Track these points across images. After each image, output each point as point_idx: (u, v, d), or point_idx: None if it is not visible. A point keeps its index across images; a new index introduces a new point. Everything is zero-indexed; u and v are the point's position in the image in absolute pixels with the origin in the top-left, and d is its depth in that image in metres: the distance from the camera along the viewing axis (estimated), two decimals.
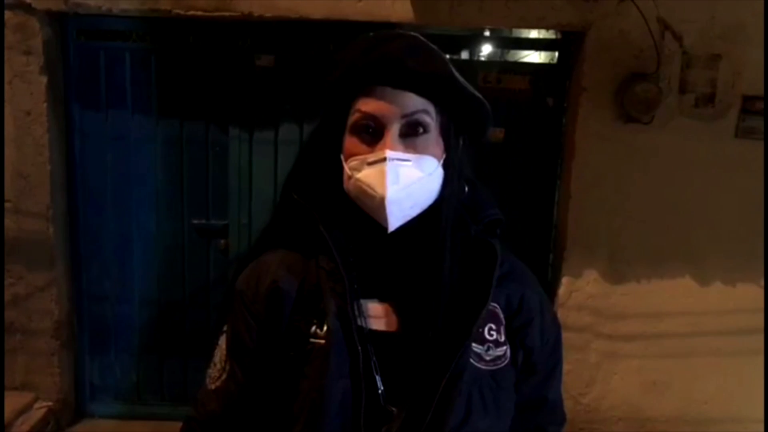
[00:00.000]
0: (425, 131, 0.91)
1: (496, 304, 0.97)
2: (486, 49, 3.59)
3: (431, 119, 0.92)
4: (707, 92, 2.75)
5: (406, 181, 0.88)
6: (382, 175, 0.87)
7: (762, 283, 2.85)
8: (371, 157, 0.89)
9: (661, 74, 2.69)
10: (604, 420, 2.98)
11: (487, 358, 0.94)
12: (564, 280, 2.88)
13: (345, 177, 0.93)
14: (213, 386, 0.99)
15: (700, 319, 2.87)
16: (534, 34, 3.52)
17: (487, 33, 3.45)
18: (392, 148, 0.88)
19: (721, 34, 2.70)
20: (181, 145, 2.99)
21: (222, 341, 1.00)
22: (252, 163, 2.95)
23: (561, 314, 2.86)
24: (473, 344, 0.92)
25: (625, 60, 2.71)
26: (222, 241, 3.03)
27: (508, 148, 2.92)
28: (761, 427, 2.62)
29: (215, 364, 1.00)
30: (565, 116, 2.95)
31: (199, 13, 2.69)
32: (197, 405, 1.01)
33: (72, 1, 2.68)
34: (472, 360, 0.92)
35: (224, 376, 0.97)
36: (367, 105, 0.90)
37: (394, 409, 0.88)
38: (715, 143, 2.77)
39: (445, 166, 0.94)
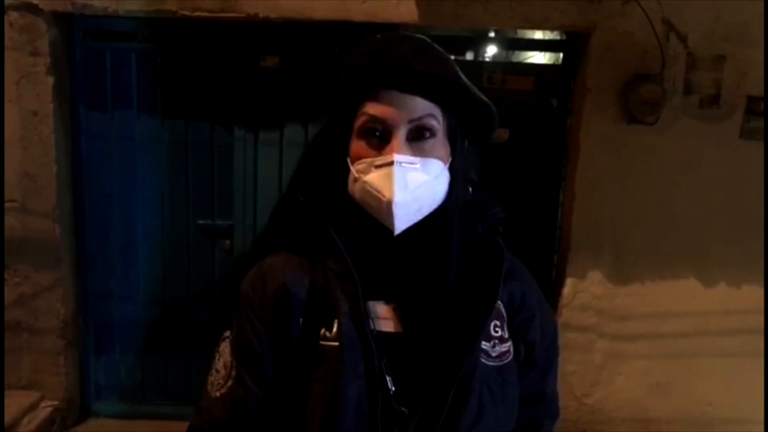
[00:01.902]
0: (432, 135, 0.91)
1: (499, 301, 0.98)
2: (490, 50, 3.60)
3: (438, 123, 0.92)
4: (712, 93, 2.74)
5: (414, 185, 0.88)
6: (390, 178, 0.87)
7: None
8: (379, 161, 0.89)
9: (665, 75, 2.69)
10: (609, 420, 2.98)
11: (494, 354, 0.95)
12: (568, 281, 2.88)
13: (351, 179, 0.93)
14: (218, 393, 0.96)
15: (705, 319, 2.86)
16: (538, 35, 3.52)
17: (491, 34, 3.46)
18: (400, 152, 0.88)
19: (726, 35, 2.70)
20: (187, 145, 3.00)
21: (224, 347, 0.98)
22: (257, 163, 2.95)
23: (565, 315, 2.86)
24: (481, 341, 0.93)
25: (629, 61, 2.71)
26: (226, 242, 3.04)
27: (513, 148, 2.92)
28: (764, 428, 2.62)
29: (218, 371, 0.98)
30: (569, 117, 2.95)
31: (205, 14, 2.70)
32: (201, 414, 0.98)
33: (78, 3, 2.69)
34: (480, 357, 0.92)
35: (230, 383, 0.95)
36: (375, 109, 0.90)
37: (404, 409, 0.88)
38: (719, 144, 2.77)
39: (451, 169, 0.94)
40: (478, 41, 3.35)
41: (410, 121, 0.90)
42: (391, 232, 0.90)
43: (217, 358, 0.99)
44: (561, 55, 2.99)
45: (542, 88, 2.94)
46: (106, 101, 2.95)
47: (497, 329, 0.96)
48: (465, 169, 0.98)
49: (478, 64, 3.27)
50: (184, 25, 2.86)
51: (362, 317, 0.89)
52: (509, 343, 0.98)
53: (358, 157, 0.92)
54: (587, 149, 2.80)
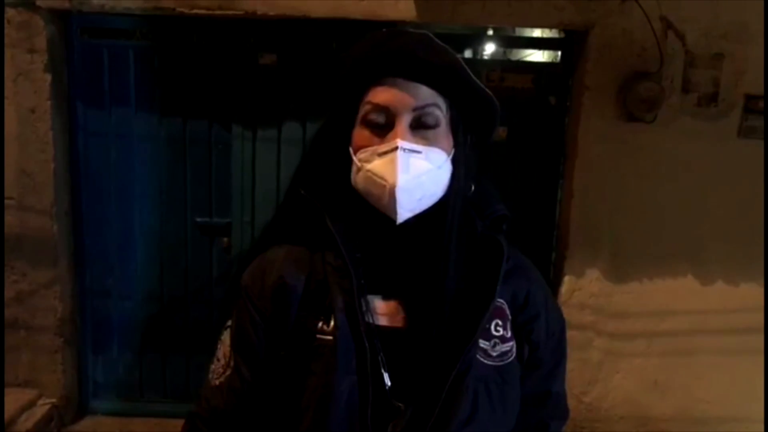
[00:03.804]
0: (435, 125, 0.92)
1: (502, 300, 0.97)
2: (489, 48, 3.60)
3: (441, 113, 0.92)
4: (710, 92, 2.75)
5: (416, 172, 0.88)
6: (393, 164, 0.87)
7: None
8: (382, 148, 0.89)
9: (663, 73, 2.69)
10: (606, 419, 2.99)
11: (494, 354, 0.94)
12: (566, 279, 2.88)
13: (354, 169, 0.93)
14: (217, 382, 0.98)
15: (702, 318, 2.87)
16: (537, 33, 3.52)
17: (490, 32, 3.45)
18: (403, 138, 0.89)
19: (724, 33, 2.70)
20: (185, 143, 2.99)
21: (225, 336, 1.00)
22: (255, 161, 2.94)
23: (563, 313, 2.86)
24: (480, 340, 0.92)
25: (627, 59, 2.71)
26: (224, 239, 3.04)
27: (511, 146, 2.92)
28: (763, 426, 2.62)
29: (218, 360, 0.99)
30: (567, 115, 2.95)
31: (203, 11, 2.70)
32: (200, 401, 1.00)
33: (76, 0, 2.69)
34: (478, 356, 0.92)
35: (228, 372, 0.97)
36: (379, 96, 0.91)
37: (400, 404, 0.88)
38: (717, 142, 2.77)
39: (453, 162, 0.94)
40: (476, 39, 3.34)
41: (414, 110, 0.90)
42: (392, 224, 0.90)
43: (219, 347, 1.01)
44: (559, 53, 2.99)
45: (541, 86, 2.94)
46: (103, 99, 2.95)
47: (498, 328, 0.96)
48: (467, 163, 0.97)
49: (477, 62, 3.26)
50: (182, 23, 2.86)
51: (357, 312, 0.89)
52: (511, 343, 0.97)
53: (361, 146, 0.92)
54: (585, 147, 2.80)
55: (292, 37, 2.87)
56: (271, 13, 2.70)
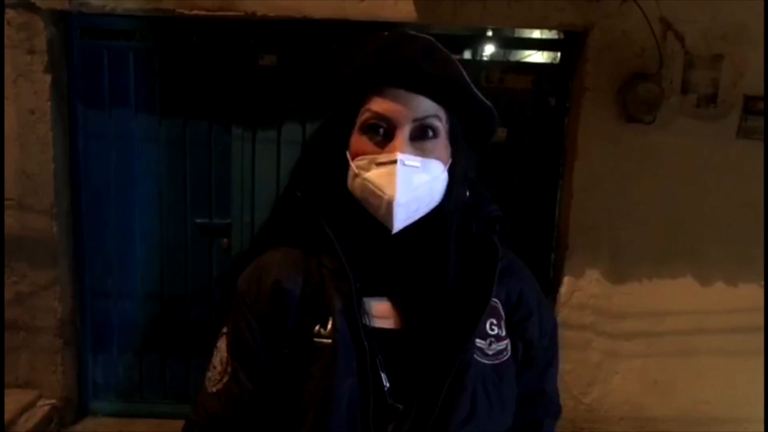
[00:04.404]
0: (435, 135, 0.92)
1: (496, 299, 0.97)
2: (489, 49, 3.60)
3: (441, 124, 0.92)
4: (709, 92, 2.75)
5: (414, 185, 0.88)
6: (392, 177, 0.87)
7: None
8: (381, 158, 0.89)
9: (663, 74, 2.70)
10: (606, 419, 2.99)
11: (490, 352, 0.94)
12: (566, 280, 2.88)
13: (351, 175, 0.93)
14: (214, 389, 0.97)
15: (702, 318, 2.87)
16: (536, 34, 3.52)
17: (489, 33, 3.46)
18: (403, 151, 0.88)
19: (724, 34, 2.71)
20: (185, 144, 3.00)
21: (221, 343, 0.99)
22: (255, 162, 2.95)
23: (563, 313, 2.86)
24: (476, 339, 0.93)
25: (627, 60, 2.71)
26: (224, 240, 3.04)
27: (511, 147, 2.92)
28: (763, 426, 2.62)
29: (215, 367, 0.98)
30: (567, 116, 2.95)
31: (203, 12, 2.70)
32: (198, 408, 0.99)
33: (76, 1, 2.69)
34: (475, 355, 0.92)
35: (226, 379, 0.96)
36: (379, 105, 0.90)
37: (400, 406, 0.88)
38: (716, 143, 2.78)
39: (451, 171, 0.94)
40: (476, 40, 3.35)
41: (415, 120, 0.90)
42: (389, 229, 0.90)
43: (215, 354, 1.00)
44: (559, 54, 3.00)
45: (540, 86, 2.94)
46: (103, 100, 2.95)
47: (494, 327, 0.96)
48: (464, 172, 0.98)
49: (477, 63, 3.27)
50: (182, 24, 2.87)
51: (355, 314, 0.89)
52: (506, 342, 0.97)
53: (359, 153, 0.92)
54: (585, 148, 2.81)
55: (292, 38, 2.87)
56: (271, 14, 2.70)
